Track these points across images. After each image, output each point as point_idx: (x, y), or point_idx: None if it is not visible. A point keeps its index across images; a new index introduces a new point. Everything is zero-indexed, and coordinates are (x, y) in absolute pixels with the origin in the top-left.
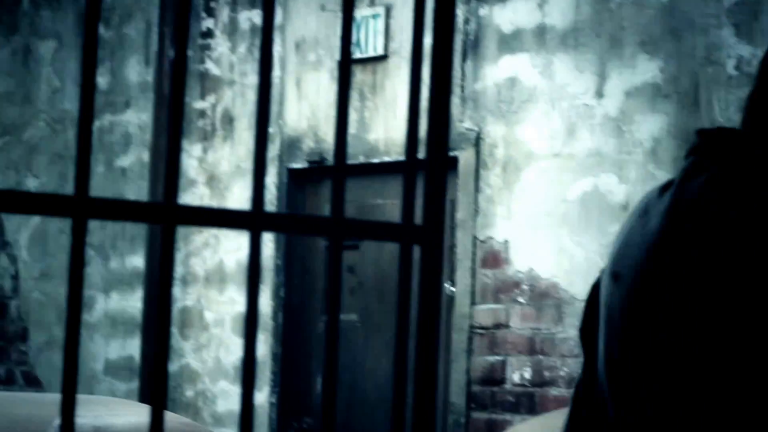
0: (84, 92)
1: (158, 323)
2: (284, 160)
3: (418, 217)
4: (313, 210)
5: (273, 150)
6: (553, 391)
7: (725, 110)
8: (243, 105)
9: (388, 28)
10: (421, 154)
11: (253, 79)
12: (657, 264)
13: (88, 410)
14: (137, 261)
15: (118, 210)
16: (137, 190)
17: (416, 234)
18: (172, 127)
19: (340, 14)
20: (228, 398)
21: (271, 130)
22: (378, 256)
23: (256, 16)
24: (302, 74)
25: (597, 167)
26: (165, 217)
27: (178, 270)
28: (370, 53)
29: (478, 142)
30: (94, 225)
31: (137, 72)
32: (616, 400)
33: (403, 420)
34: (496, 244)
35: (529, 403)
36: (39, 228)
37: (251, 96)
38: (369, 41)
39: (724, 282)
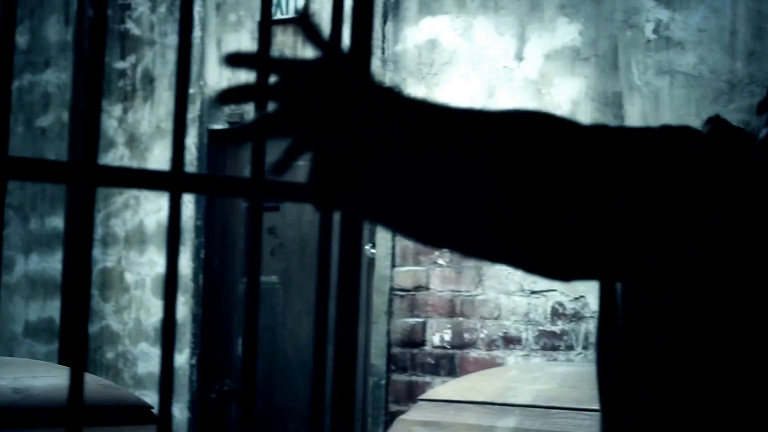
0: (3, 52)
1: (78, 285)
2: (205, 121)
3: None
4: (234, 172)
5: (193, 111)
6: (473, 353)
7: (644, 74)
8: (163, 65)
9: None
10: None
11: (173, 39)
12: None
13: (8, 372)
14: (57, 222)
15: (38, 170)
16: (57, 151)
17: (335, 197)
18: (91, 88)
19: None
20: (148, 360)
21: (191, 90)
22: (299, 218)
23: None
24: (223, 35)
25: None
26: (84, 177)
27: (98, 231)
28: (291, 14)
29: None
30: (13, 185)
31: (57, 31)
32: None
33: (323, 381)
34: None
35: (449, 365)
36: None
37: (171, 56)
38: (290, 2)
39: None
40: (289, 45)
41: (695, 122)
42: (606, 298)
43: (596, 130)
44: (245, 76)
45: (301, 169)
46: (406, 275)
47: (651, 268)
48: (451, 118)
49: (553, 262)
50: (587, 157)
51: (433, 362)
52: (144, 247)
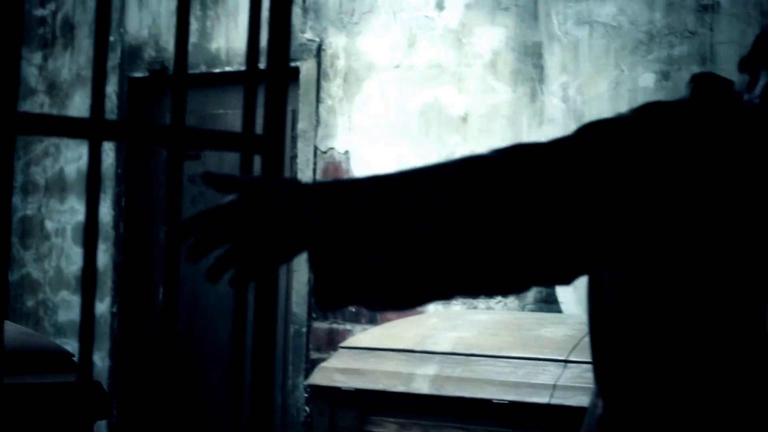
0: None
1: None
2: (125, 69)
3: (260, 127)
4: (155, 120)
5: (113, 59)
6: None
7: (563, 24)
8: (83, 13)
9: None
10: (263, 64)
11: None
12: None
13: None
14: None
15: None
16: None
17: (257, 144)
18: (10, 35)
19: None
20: (69, 308)
21: (111, 38)
22: (219, 166)
23: None
24: None
25: (437, 79)
26: (4, 125)
27: (18, 179)
28: None
29: (319, 53)
30: None
31: None
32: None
33: (244, 329)
34: (337, 155)
35: (369, 313)
36: None
37: (92, 4)
38: None
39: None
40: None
41: (614, 72)
42: (594, 287)
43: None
44: (165, 25)
45: (221, 119)
46: None
47: (639, 255)
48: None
49: (553, 269)
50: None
51: (353, 310)
52: (64, 195)
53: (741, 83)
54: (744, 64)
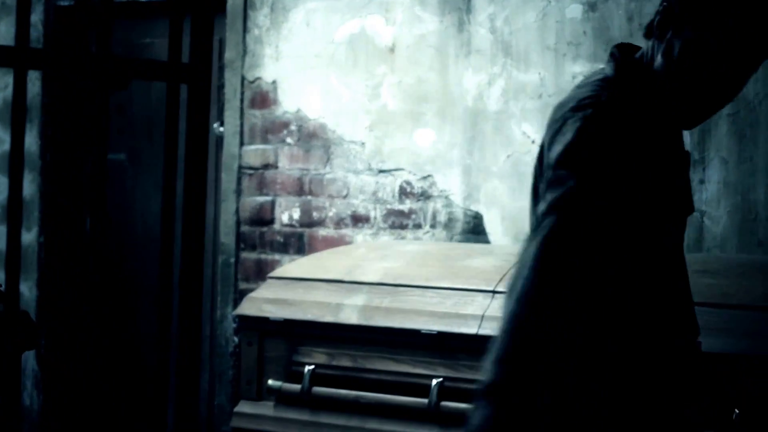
0: None
1: None
2: None
3: (186, 57)
4: (81, 51)
5: None
6: (322, 231)
7: None
8: None
9: None
10: None
11: None
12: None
13: None
14: None
15: None
16: None
17: (183, 73)
18: None
19: None
20: None
21: None
22: (147, 96)
23: None
24: None
25: (364, 9)
26: None
27: None
28: None
29: None
30: None
31: None
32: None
33: (172, 258)
34: (265, 85)
35: (298, 243)
36: None
37: None
38: None
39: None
40: None
41: (541, 3)
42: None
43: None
44: None
45: (148, 48)
46: (254, 154)
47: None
48: None
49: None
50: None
51: (282, 240)
52: None
53: (647, 49)
54: (648, 31)
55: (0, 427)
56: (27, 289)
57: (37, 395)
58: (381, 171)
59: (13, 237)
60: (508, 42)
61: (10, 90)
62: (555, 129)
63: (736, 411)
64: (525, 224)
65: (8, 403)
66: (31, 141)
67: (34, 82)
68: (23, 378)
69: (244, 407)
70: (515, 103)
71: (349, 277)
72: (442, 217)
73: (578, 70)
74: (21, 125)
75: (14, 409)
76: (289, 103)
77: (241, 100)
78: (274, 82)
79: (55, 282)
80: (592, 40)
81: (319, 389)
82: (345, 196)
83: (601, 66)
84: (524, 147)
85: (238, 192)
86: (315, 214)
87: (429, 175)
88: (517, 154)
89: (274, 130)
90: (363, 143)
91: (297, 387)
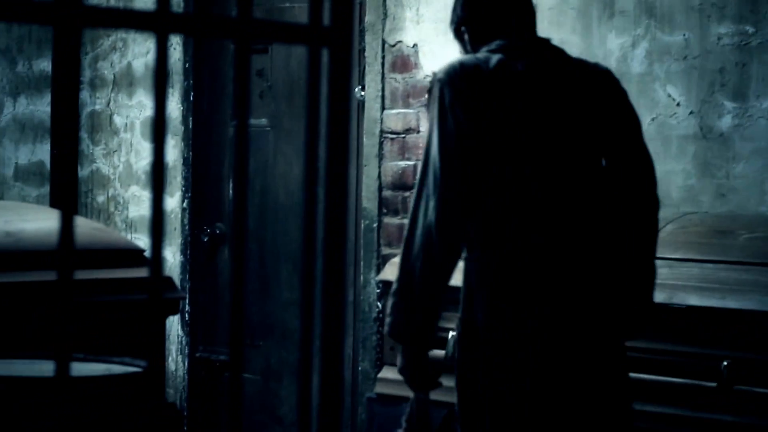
0: None
1: (66, 127)
2: None
3: (327, 20)
4: (222, 12)
5: None
6: None
7: None
8: None
9: None
10: None
11: None
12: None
13: None
14: (45, 65)
15: (23, 12)
16: None
17: (325, 36)
18: None
19: None
20: (139, 203)
21: None
22: (287, 60)
23: None
24: None
25: None
26: (70, 18)
27: (86, 74)
28: None
29: None
30: None
31: None
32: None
33: (314, 224)
34: (405, 48)
35: None
36: None
37: None
38: None
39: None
40: None
41: None
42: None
43: None
44: None
45: (287, 12)
46: (396, 118)
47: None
48: None
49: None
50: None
51: None
52: (132, 89)
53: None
54: (455, 36)
55: (147, 394)
56: (171, 255)
57: (181, 360)
58: None
59: (157, 203)
60: (652, 3)
61: (151, 56)
62: None
63: None
64: (671, 189)
65: (154, 369)
66: (173, 107)
67: (175, 47)
68: (167, 343)
69: (388, 373)
70: (659, 65)
71: None
72: None
73: (723, 31)
74: (163, 91)
75: (160, 375)
76: (430, 66)
77: (382, 64)
78: (414, 46)
79: (199, 247)
80: (736, 0)
81: None
82: None
83: (747, 27)
84: (669, 110)
85: (380, 157)
86: None
87: None
88: (661, 117)
89: (416, 94)
90: None
91: (441, 353)
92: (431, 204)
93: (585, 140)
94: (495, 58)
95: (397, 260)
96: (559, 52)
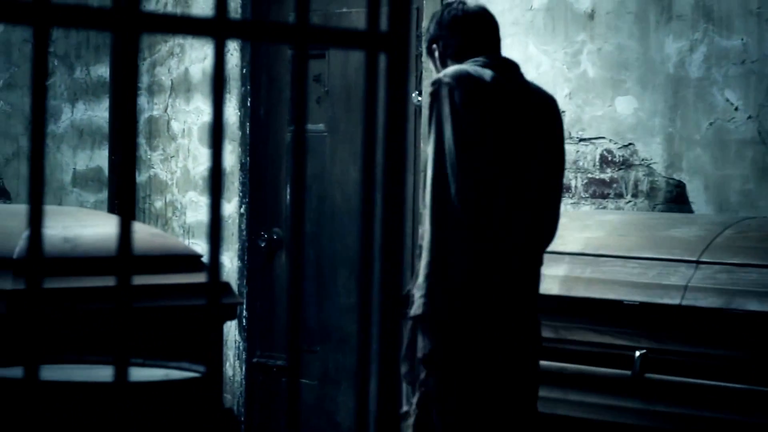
0: None
1: (125, 133)
2: None
3: (384, 25)
4: (279, 19)
5: None
6: None
7: None
8: None
9: None
10: None
11: None
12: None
13: (57, 221)
14: (102, 71)
15: (81, 17)
16: None
17: (382, 41)
18: None
19: None
20: (197, 209)
21: None
22: (344, 65)
23: None
24: None
25: None
26: (128, 24)
27: (144, 79)
28: None
29: None
30: (57, 34)
31: None
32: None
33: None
34: None
35: None
36: (2, 37)
37: None
38: None
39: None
40: None
41: None
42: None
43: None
44: None
45: (344, 17)
46: None
47: None
48: None
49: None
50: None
51: None
52: (190, 95)
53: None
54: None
55: (205, 399)
56: (228, 260)
57: (239, 366)
58: (581, 140)
59: (215, 208)
60: (710, 7)
61: (208, 61)
62: None
63: None
64: (729, 193)
65: (212, 374)
66: (231, 112)
67: (232, 53)
68: (225, 349)
69: None
70: (717, 69)
71: (551, 248)
72: (643, 187)
73: None
74: (221, 96)
75: (218, 380)
76: None
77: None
78: None
79: (256, 252)
80: None
81: None
82: None
83: None
84: (727, 114)
85: None
86: None
87: (630, 144)
88: (719, 122)
89: None
90: (563, 111)
91: None
92: (452, 190)
93: (543, 159)
94: (488, 72)
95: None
96: (519, 72)
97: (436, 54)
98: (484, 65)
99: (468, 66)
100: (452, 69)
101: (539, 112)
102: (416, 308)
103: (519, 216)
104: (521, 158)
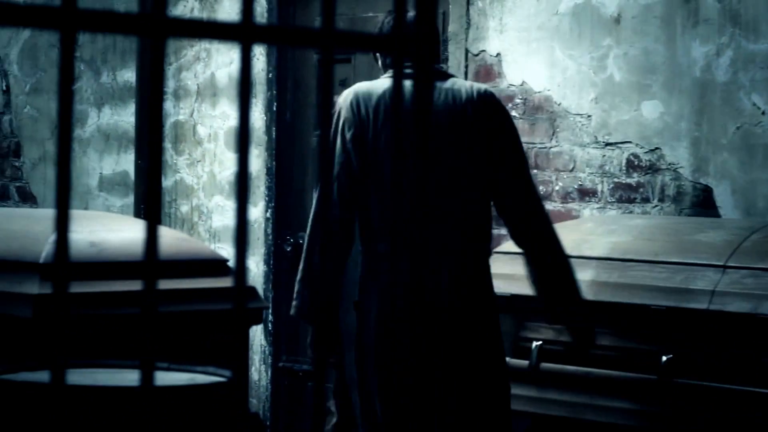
0: None
1: (150, 138)
2: None
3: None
4: (305, 24)
5: None
6: (548, 206)
7: None
8: None
9: None
10: None
11: None
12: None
13: (84, 225)
14: (129, 75)
15: (107, 22)
16: (127, 3)
17: (408, 45)
18: None
19: None
20: (223, 213)
21: None
22: (370, 69)
23: None
24: None
25: None
26: (154, 29)
27: (170, 84)
28: None
29: None
30: (84, 39)
31: None
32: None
33: (399, 228)
34: (489, 58)
35: None
36: (29, 42)
37: None
38: None
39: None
40: None
41: None
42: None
43: None
44: None
45: (370, 21)
46: None
47: None
48: None
49: None
50: None
51: None
52: (216, 100)
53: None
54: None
55: (231, 404)
56: (254, 265)
57: (264, 370)
58: (607, 144)
59: (241, 212)
60: (737, 11)
61: (234, 65)
62: None
63: None
64: (756, 198)
65: (237, 379)
66: (257, 116)
67: (258, 57)
68: (250, 353)
69: None
70: (744, 73)
71: (577, 252)
72: (670, 191)
73: None
74: (247, 100)
75: (243, 385)
76: (513, 76)
77: (465, 74)
78: (498, 55)
79: (282, 257)
80: None
81: (547, 365)
82: (571, 170)
83: None
84: (754, 118)
85: None
86: (541, 188)
87: (656, 148)
88: (746, 126)
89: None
90: (589, 116)
91: (524, 363)
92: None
93: (466, 156)
94: (386, 84)
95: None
96: (444, 77)
97: (379, 63)
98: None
99: (369, 82)
100: (351, 87)
101: (454, 113)
102: (291, 308)
103: (437, 210)
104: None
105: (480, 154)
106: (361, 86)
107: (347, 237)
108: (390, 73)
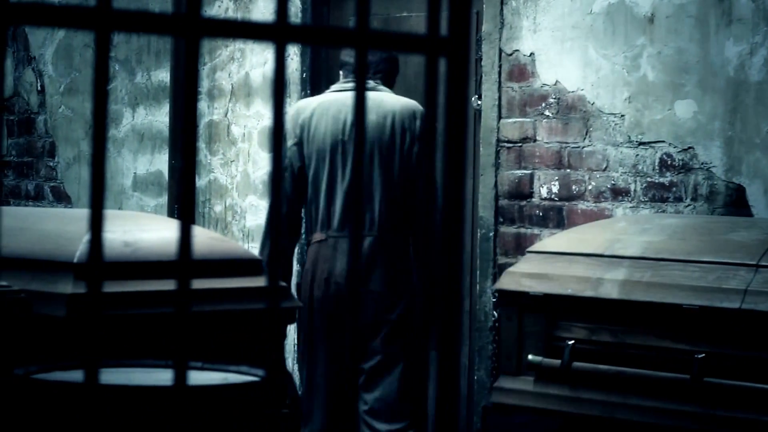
0: None
1: (185, 138)
2: None
3: (444, 30)
4: (339, 24)
5: None
6: (581, 205)
7: None
8: None
9: None
10: None
11: None
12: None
13: (118, 225)
14: (163, 75)
15: (142, 22)
16: (162, 3)
17: (442, 45)
18: None
19: None
20: (257, 213)
21: None
22: (404, 69)
23: None
24: None
25: None
26: (189, 29)
27: (204, 84)
28: None
29: None
30: (118, 39)
31: None
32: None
33: (433, 231)
34: (522, 57)
35: (557, 217)
36: (64, 42)
37: None
38: None
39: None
40: None
41: None
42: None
43: None
44: None
45: (404, 21)
46: (512, 127)
47: None
48: None
49: None
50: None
51: (540, 214)
52: (250, 99)
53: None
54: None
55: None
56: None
57: (297, 370)
58: (640, 143)
59: (275, 210)
60: None
61: (268, 65)
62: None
63: None
64: None
65: (272, 378)
66: None
67: (292, 57)
68: (284, 353)
69: (504, 382)
70: None
71: (609, 251)
72: (703, 190)
73: None
74: (281, 100)
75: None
76: (546, 75)
77: (499, 73)
78: (531, 55)
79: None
80: None
81: (579, 364)
82: (604, 169)
83: None
84: None
85: (497, 166)
86: (574, 188)
87: (689, 147)
88: None
89: (532, 103)
90: (622, 115)
91: (557, 362)
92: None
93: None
94: (323, 98)
95: (513, 269)
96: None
97: (341, 72)
98: (331, 92)
99: (313, 97)
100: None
101: (378, 119)
102: None
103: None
104: (339, 158)
105: (386, 156)
106: (300, 102)
107: (293, 228)
108: (349, 78)
